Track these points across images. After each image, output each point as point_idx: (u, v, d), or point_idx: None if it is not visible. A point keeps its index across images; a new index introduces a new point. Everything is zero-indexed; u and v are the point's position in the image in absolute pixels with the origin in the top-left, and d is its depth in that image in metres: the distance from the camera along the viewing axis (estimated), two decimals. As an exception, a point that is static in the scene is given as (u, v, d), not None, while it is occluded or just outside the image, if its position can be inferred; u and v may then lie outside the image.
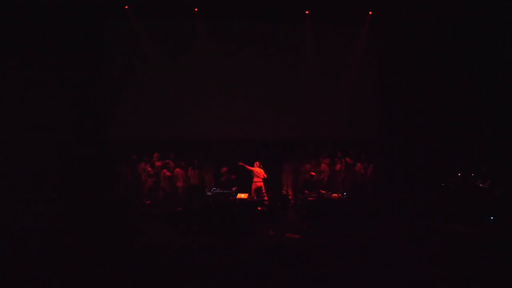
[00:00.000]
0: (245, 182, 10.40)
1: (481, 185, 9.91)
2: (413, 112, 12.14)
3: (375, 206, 9.20)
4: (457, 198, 9.97)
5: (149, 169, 11.12)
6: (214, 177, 11.55)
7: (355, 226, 8.57)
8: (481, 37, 11.66)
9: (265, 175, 10.35)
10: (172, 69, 11.92)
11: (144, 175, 11.10)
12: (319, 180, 11.57)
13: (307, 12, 11.96)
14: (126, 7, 11.31)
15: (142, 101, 11.86)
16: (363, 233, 8.37)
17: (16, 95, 10.55)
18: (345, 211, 8.84)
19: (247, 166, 10.29)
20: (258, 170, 10.33)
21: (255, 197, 9.76)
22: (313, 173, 10.82)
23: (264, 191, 10.15)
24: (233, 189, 9.47)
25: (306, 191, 10.04)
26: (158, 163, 11.32)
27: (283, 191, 10.53)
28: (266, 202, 9.57)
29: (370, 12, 12.12)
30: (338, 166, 12.18)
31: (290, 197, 10.80)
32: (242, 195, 9.26)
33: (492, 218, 9.12)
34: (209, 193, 9.58)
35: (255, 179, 10.35)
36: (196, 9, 11.65)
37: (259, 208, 9.25)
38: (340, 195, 10.02)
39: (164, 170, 11.09)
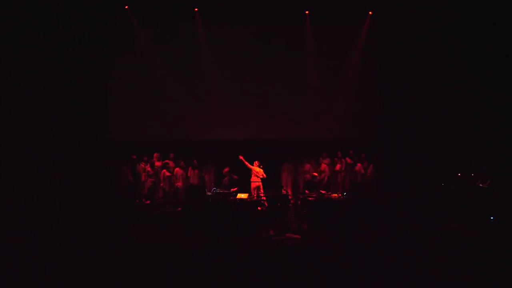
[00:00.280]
0: (246, 182, 10.40)
1: (481, 185, 9.91)
2: (413, 112, 12.14)
3: (375, 206, 9.19)
4: (457, 198, 9.97)
5: (149, 169, 11.11)
6: (214, 177, 11.57)
7: (355, 226, 8.58)
8: (481, 38, 11.65)
9: (264, 175, 10.34)
10: (172, 69, 11.91)
11: (144, 175, 11.09)
12: (319, 180, 11.57)
13: (307, 12, 11.96)
14: (126, 7, 11.31)
15: (142, 101, 11.84)
16: (363, 233, 8.38)
17: (16, 95, 10.54)
18: (345, 211, 8.84)
19: (246, 163, 10.27)
20: (257, 169, 10.32)
21: (255, 197, 9.75)
22: (315, 174, 10.81)
23: (262, 190, 10.14)
24: (232, 190, 9.45)
25: (307, 191, 10.03)
26: (158, 163, 11.31)
27: (283, 191, 10.52)
28: (265, 203, 9.56)
29: (370, 12, 12.12)
30: (338, 166, 12.17)
31: (290, 197, 10.79)
32: (242, 195, 9.25)
33: (492, 218, 9.12)
34: (209, 193, 9.57)
35: (253, 179, 10.34)
36: (196, 9, 11.65)
37: (259, 208, 9.24)
38: (340, 195, 10.01)
39: (164, 170, 11.09)
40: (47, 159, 10.39)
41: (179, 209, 9.92)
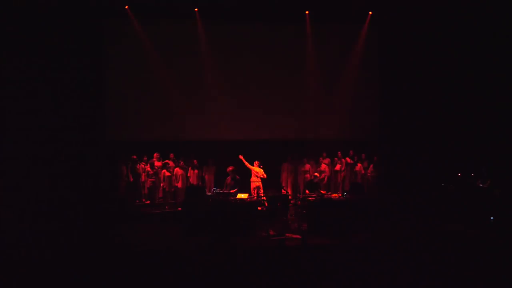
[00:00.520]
0: (246, 182, 10.39)
1: (481, 185, 9.91)
2: (413, 112, 12.13)
3: (375, 206, 9.19)
4: (457, 198, 9.97)
5: (149, 169, 11.11)
6: (214, 177, 11.57)
7: (355, 226, 8.57)
8: (481, 38, 11.65)
9: (265, 175, 10.33)
10: (172, 69, 11.90)
11: (144, 175, 11.10)
12: (320, 180, 11.56)
13: (307, 12, 11.96)
14: (126, 7, 11.31)
15: (142, 101, 11.84)
16: (363, 233, 8.38)
17: (16, 95, 10.54)
18: (345, 211, 8.84)
19: (246, 163, 10.23)
20: (257, 169, 10.31)
21: (255, 197, 9.75)
22: (317, 174, 10.82)
23: (262, 191, 10.13)
24: (231, 191, 9.45)
25: (307, 191, 10.03)
26: (158, 163, 11.31)
27: (283, 191, 10.52)
28: (265, 203, 9.56)
29: (370, 12, 12.12)
30: (338, 166, 12.19)
31: (290, 197, 10.79)
32: (242, 195, 9.25)
33: (492, 218, 9.12)
34: (209, 193, 9.57)
35: (253, 179, 10.33)
36: (196, 9, 11.66)
37: (259, 208, 9.24)
38: (340, 195, 10.02)
39: (164, 170, 11.09)
40: (47, 159, 10.39)
41: (179, 209, 9.91)
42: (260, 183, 10.30)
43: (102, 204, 10.05)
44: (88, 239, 8.15)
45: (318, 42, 12.29)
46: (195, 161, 11.42)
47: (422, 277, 5.87)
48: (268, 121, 12.25)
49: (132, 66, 11.73)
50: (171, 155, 11.59)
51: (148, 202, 11.12)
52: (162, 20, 11.81)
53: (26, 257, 6.83)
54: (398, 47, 12.18)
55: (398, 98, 12.24)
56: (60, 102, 10.84)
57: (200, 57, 11.96)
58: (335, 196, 9.77)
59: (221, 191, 9.35)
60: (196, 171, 11.42)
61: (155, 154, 11.42)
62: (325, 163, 12.12)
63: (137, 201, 10.97)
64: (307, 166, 12.02)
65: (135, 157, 11.03)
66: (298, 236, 8.40)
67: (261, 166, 10.42)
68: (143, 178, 11.10)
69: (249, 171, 10.37)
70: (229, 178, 9.92)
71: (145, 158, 11.27)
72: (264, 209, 9.32)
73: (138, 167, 10.96)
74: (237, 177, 9.96)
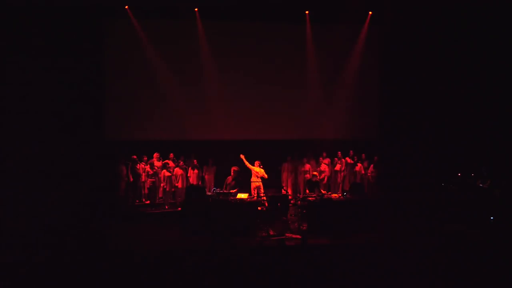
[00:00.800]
0: (246, 182, 10.38)
1: (481, 185, 9.92)
2: (413, 112, 12.14)
3: (375, 206, 9.19)
4: (457, 198, 9.97)
5: (149, 169, 11.11)
6: (214, 177, 11.56)
7: (355, 226, 8.57)
8: (481, 38, 11.65)
9: (266, 175, 10.32)
10: (172, 69, 11.90)
11: (144, 175, 11.09)
12: (319, 180, 11.56)
13: (307, 12, 11.96)
14: (126, 7, 11.31)
15: (142, 101, 11.85)
16: (363, 233, 8.38)
17: (16, 95, 10.54)
18: (345, 211, 8.84)
19: (246, 162, 10.19)
20: (257, 169, 10.30)
21: (255, 197, 9.74)
22: (315, 173, 10.81)
23: (262, 190, 10.12)
24: (232, 191, 9.44)
25: (307, 191, 10.03)
26: (158, 163, 11.31)
27: (283, 191, 10.50)
28: (265, 203, 9.55)
29: (370, 12, 12.12)
30: (338, 166, 12.18)
31: (290, 197, 10.78)
32: (242, 195, 9.24)
33: (492, 218, 9.13)
34: (209, 193, 9.56)
35: (254, 179, 10.31)
36: (196, 9, 11.66)
37: (259, 208, 9.24)
38: (340, 195, 10.01)
39: (164, 170, 11.09)
40: (47, 159, 10.38)
41: (179, 209, 9.90)
42: (261, 183, 10.28)
43: (102, 204, 10.04)
44: (88, 239, 8.14)
45: (318, 42, 12.29)
46: (195, 161, 11.41)
47: (422, 277, 5.87)
48: (268, 121, 12.26)
49: (132, 66, 11.73)
50: (171, 155, 11.58)
51: (148, 202, 11.11)
52: (162, 20, 11.81)
53: (26, 257, 6.82)
54: (398, 47, 12.18)
55: (398, 98, 12.24)
56: (60, 102, 10.84)
57: (200, 57, 11.96)
58: (335, 196, 9.76)
59: (221, 191, 9.33)
60: (196, 171, 11.41)
61: (155, 154, 11.42)
62: (325, 163, 12.11)
63: (137, 201, 10.96)
64: (307, 166, 12.02)
65: (135, 157, 11.01)
66: (298, 236, 8.40)
67: (261, 166, 10.41)
68: (143, 178, 11.08)
69: (250, 171, 10.36)
70: (230, 177, 9.89)
71: (145, 158, 11.26)
72: (264, 209, 9.32)
73: (138, 167, 10.95)
74: (240, 178, 9.92)
